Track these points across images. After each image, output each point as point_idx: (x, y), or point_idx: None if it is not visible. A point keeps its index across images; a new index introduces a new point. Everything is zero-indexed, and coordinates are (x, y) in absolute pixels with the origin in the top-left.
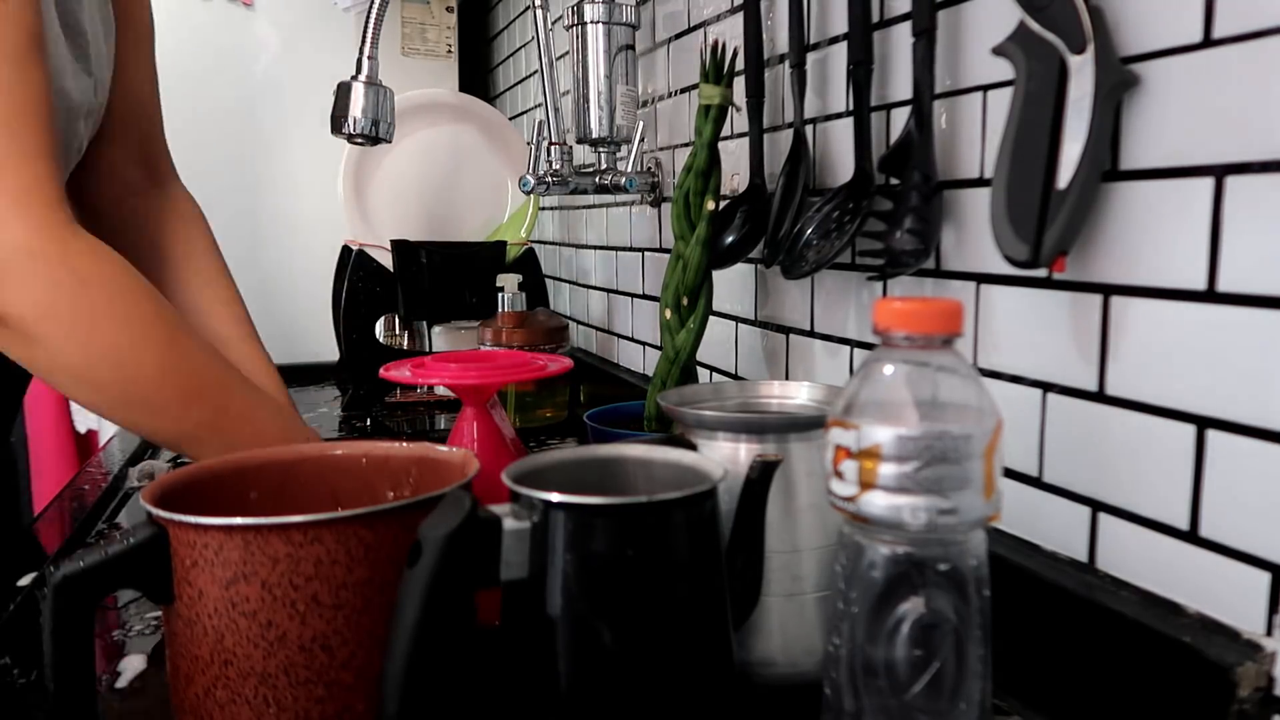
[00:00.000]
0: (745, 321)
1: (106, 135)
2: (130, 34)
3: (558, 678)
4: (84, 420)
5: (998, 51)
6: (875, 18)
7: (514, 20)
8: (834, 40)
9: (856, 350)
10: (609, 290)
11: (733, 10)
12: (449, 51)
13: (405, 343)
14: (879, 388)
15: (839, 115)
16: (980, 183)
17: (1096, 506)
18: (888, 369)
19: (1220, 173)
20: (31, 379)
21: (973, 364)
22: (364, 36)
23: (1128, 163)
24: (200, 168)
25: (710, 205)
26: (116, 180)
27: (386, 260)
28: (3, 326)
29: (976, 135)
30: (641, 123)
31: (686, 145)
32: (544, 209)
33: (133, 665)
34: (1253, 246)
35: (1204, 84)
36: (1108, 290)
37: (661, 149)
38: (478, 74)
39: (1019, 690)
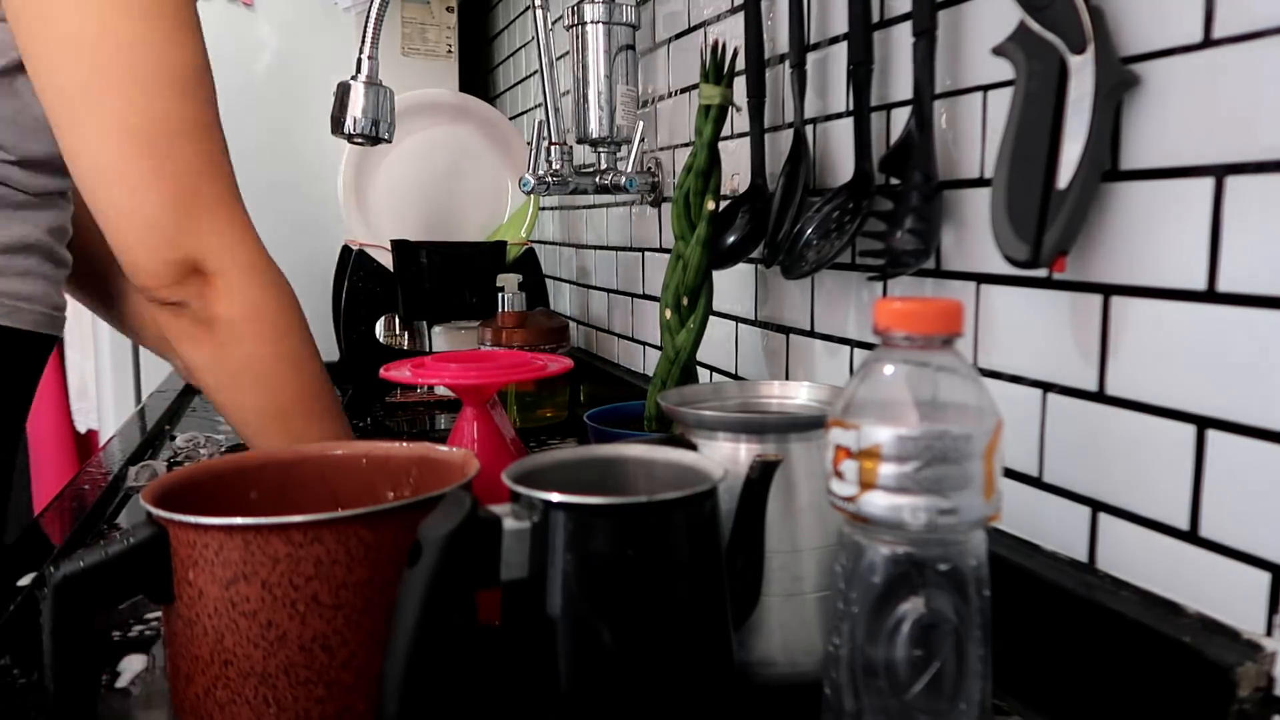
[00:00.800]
0: (745, 321)
1: None
2: None
3: (558, 678)
4: (84, 420)
5: (998, 51)
6: (875, 18)
7: (514, 20)
8: (834, 40)
9: (856, 350)
10: (609, 290)
11: (733, 10)
12: (449, 51)
13: (405, 343)
14: (879, 388)
15: (839, 115)
16: (980, 183)
17: (1096, 506)
18: (888, 369)
19: (1220, 173)
20: (40, 379)
21: (973, 364)
22: (364, 36)
23: (1128, 163)
24: None
25: (710, 205)
26: None
27: (386, 260)
28: (208, 327)
29: (977, 135)
30: (641, 123)
31: (687, 145)
32: (544, 209)
33: (133, 665)
34: (1253, 246)
35: (1204, 84)
36: (1108, 290)
37: (661, 149)
38: (478, 74)
39: (1019, 690)
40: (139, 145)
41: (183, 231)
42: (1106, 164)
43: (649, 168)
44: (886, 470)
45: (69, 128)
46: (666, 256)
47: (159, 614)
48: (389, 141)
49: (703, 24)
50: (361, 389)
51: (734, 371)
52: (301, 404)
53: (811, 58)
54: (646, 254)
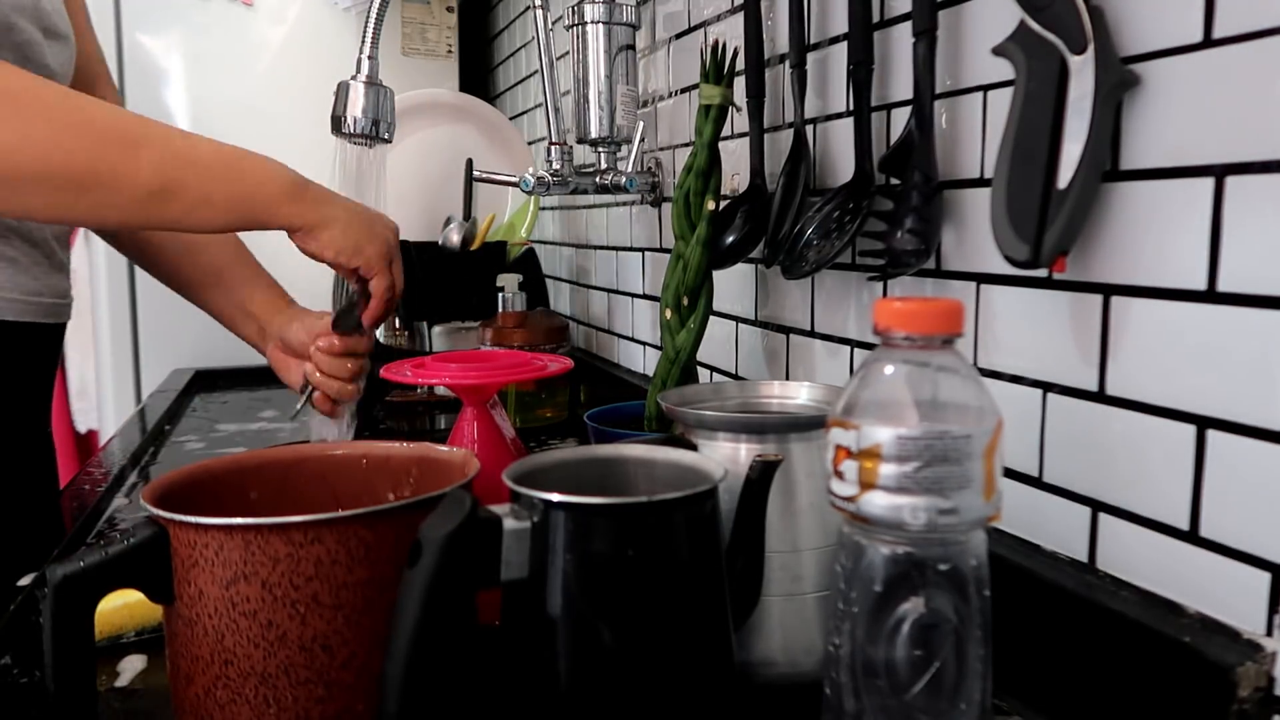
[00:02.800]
0: (745, 321)
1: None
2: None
3: (558, 678)
4: (84, 420)
5: (998, 51)
6: (875, 18)
7: (514, 20)
8: (834, 40)
9: (857, 350)
10: (609, 290)
11: (733, 10)
12: (449, 51)
13: (405, 343)
14: (879, 388)
15: (839, 115)
16: (980, 183)
17: (1097, 506)
18: (888, 369)
19: (1220, 173)
20: (58, 366)
21: (973, 364)
22: (364, 36)
23: (1128, 163)
24: None
25: (710, 205)
26: None
27: None
28: None
29: (977, 135)
30: (641, 123)
31: (687, 145)
32: (544, 209)
33: (133, 665)
34: (1253, 246)
35: (1204, 84)
36: (1108, 290)
37: (662, 149)
38: (478, 74)
39: (1019, 690)
40: None
41: None
42: (1107, 164)
43: (649, 168)
44: (886, 470)
45: None
46: (666, 256)
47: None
48: (389, 141)
49: (703, 24)
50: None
51: (734, 371)
52: (102, 159)
53: (811, 58)
54: (646, 254)
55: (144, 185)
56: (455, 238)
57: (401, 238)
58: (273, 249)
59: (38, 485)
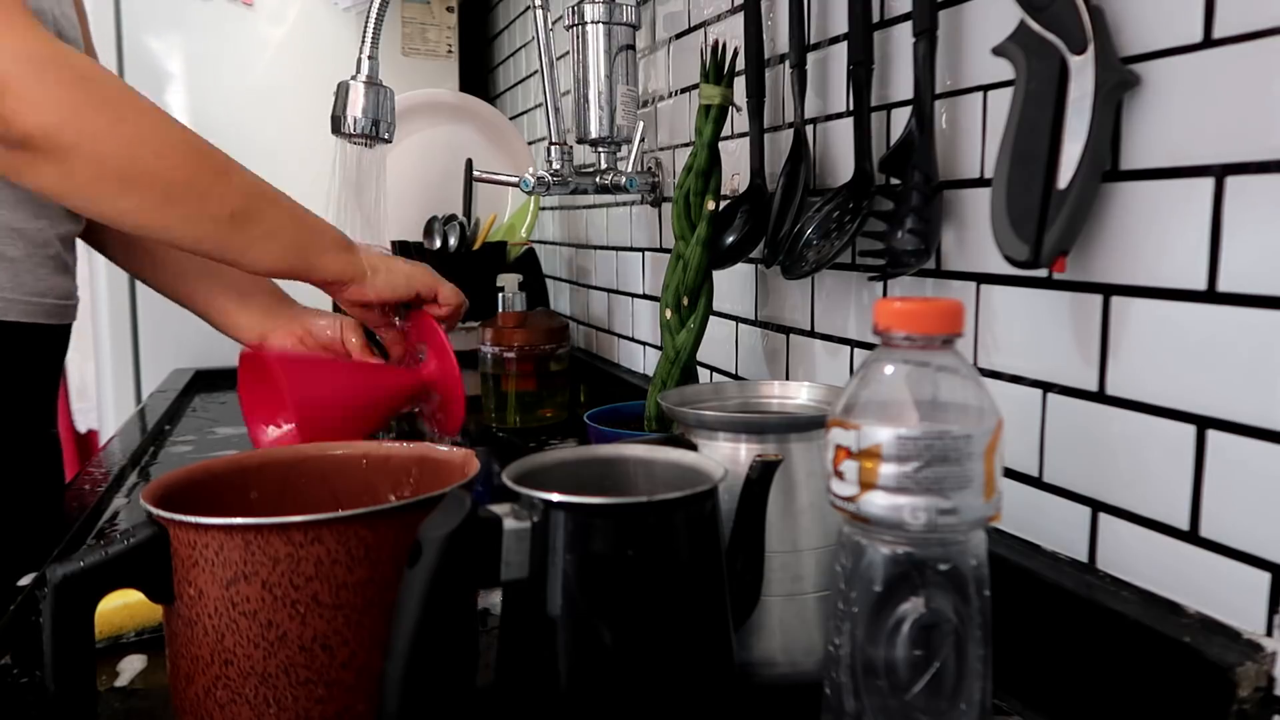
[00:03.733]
0: (745, 321)
1: None
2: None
3: (558, 677)
4: (84, 420)
5: (998, 51)
6: (875, 18)
7: (514, 20)
8: (834, 40)
9: (857, 350)
10: (609, 290)
11: (733, 10)
12: (449, 51)
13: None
14: (879, 388)
15: (839, 115)
16: (980, 183)
17: (1097, 506)
18: (888, 369)
19: (1220, 173)
20: (63, 364)
21: (973, 364)
22: (364, 36)
23: (1128, 163)
24: None
25: (710, 205)
26: None
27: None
28: (33, 151)
29: (977, 135)
30: (642, 123)
31: (687, 145)
32: (544, 209)
33: (133, 665)
34: (1253, 246)
35: (1204, 84)
36: (1108, 290)
37: (662, 149)
38: (478, 74)
39: (1019, 690)
40: None
41: None
42: (1106, 164)
43: (649, 168)
44: (886, 470)
45: None
46: (666, 256)
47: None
48: (389, 141)
49: (703, 24)
50: None
51: (734, 371)
52: (200, 174)
53: (811, 58)
54: (646, 254)
55: (230, 206)
56: (436, 241)
57: (402, 238)
58: None
59: (42, 485)
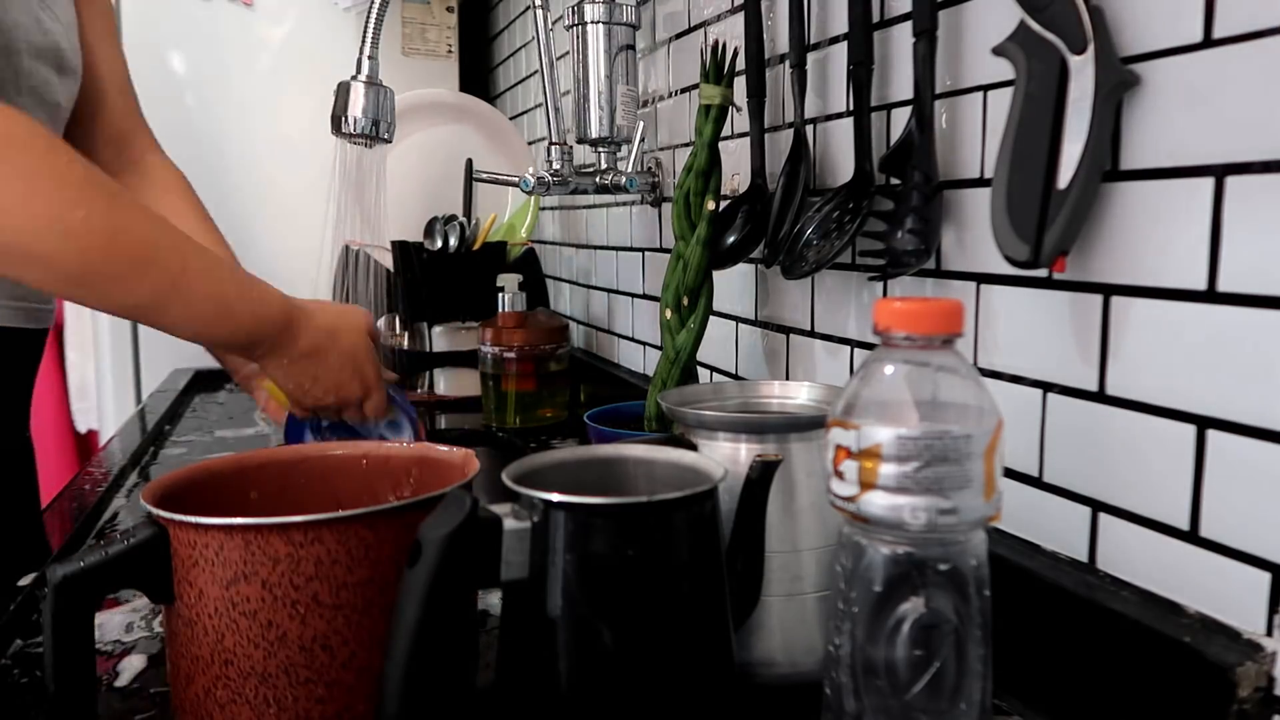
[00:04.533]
0: (746, 321)
1: (71, 119)
2: (90, 10)
3: (558, 678)
4: (84, 420)
5: (998, 51)
6: (875, 18)
7: (514, 20)
8: (834, 40)
9: (857, 350)
10: (609, 290)
11: (733, 10)
12: (449, 51)
13: (405, 343)
14: (879, 388)
15: (839, 115)
16: (980, 183)
17: (1097, 506)
18: (888, 369)
19: (1220, 173)
20: (39, 367)
21: (973, 364)
22: (364, 36)
23: (1128, 163)
24: (200, 167)
25: (710, 205)
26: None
27: (387, 260)
28: None
29: (977, 135)
30: (642, 123)
31: (687, 145)
32: (544, 209)
33: (133, 665)
34: (1253, 246)
35: (1204, 84)
36: (1108, 290)
37: (662, 149)
38: (478, 74)
39: (1019, 690)
40: None
41: None
42: (1106, 164)
43: (649, 168)
44: (887, 470)
45: None
46: (666, 256)
47: (159, 612)
48: (389, 141)
49: (703, 24)
50: None
51: (734, 371)
52: (110, 264)
53: (811, 58)
54: (646, 254)
55: (137, 298)
56: (437, 241)
57: (402, 238)
58: (271, 253)
59: (16, 488)
